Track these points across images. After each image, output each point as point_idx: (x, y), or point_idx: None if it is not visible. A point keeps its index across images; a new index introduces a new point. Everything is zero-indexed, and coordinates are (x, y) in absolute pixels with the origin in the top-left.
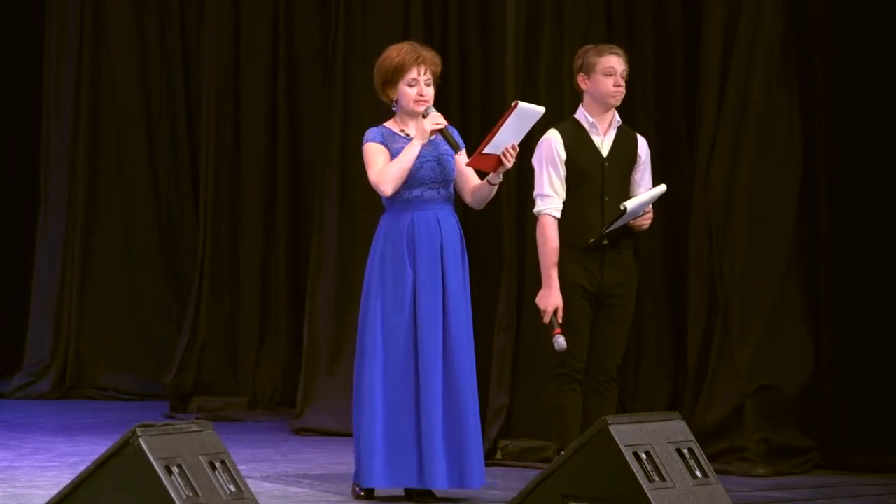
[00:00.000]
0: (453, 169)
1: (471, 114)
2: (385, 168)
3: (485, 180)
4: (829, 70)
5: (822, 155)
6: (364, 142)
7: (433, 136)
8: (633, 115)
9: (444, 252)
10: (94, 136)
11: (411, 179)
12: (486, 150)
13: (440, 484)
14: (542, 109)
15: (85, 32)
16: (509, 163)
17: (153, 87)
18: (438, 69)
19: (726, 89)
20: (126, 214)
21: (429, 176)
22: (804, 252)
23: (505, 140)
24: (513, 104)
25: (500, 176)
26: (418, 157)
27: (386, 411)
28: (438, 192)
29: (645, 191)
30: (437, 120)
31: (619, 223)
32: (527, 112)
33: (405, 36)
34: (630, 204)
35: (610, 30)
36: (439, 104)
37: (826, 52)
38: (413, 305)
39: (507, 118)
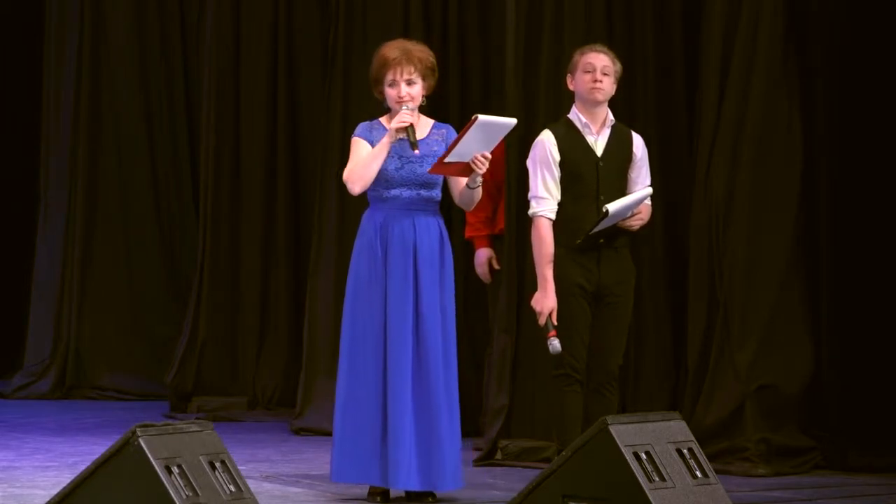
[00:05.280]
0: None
1: (471, 114)
2: (353, 166)
3: (464, 185)
4: (830, 70)
5: (822, 155)
6: (353, 135)
7: (401, 136)
8: (633, 115)
9: (416, 253)
10: (94, 136)
11: (391, 179)
12: (448, 160)
13: (404, 485)
14: (512, 121)
15: (85, 32)
16: (479, 170)
17: (153, 87)
18: (428, 63)
19: (726, 89)
20: (126, 214)
21: (408, 177)
22: (804, 252)
23: (470, 149)
24: (473, 118)
25: (478, 181)
26: (402, 157)
27: (349, 408)
28: (418, 194)
29: (642, 188)
30: (402, 118)
31: (605, 224)
32: (492, 125)
33: (405, 36)
34: (612, 207)
35: (610, 30)
36: (438, 104)
37: (826, 52)
38: (384, 304)
39: (467, 131)
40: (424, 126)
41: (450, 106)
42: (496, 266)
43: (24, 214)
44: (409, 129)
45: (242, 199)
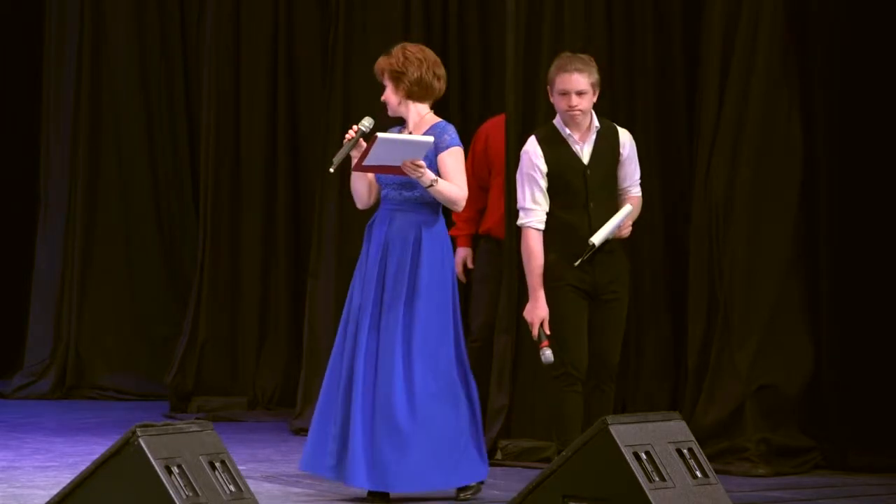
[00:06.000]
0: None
1: (470, 113)
2: None
3: None
4: (829, 70)
5: (822, 155)
6: None
7: (350, 151)
8: (633, 115)
9: (388, 252)
10: (94, 136)
11: (379, 180)
12: (368, 163)
13: (352, 482)
14: (425, 141)
15: (85, 32)
16: (410, 174)
17: (153, 87)
18: (386, 67)
19: (726, 89)
20: (126, 214)
21: (389, 178)
22: (804, 252)
23: (389, 157)
24: (374, 136)
25: (427, 181)
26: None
27: (321, 402)
28: (400, 194)
29: (630, 184)
30: (348, 132)
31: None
32: (401, 143)
33: (405, 36)
34: (597, 239)
35: (610, 30)
36: (439, 104)
37: (826, 52)
38: (360, 299)
39: (371, 147)
40: (427, 124)
41: (450, 106)
42: (469, 265)
43: (24, 214)
44: (347, 143)
45: (242, 199)
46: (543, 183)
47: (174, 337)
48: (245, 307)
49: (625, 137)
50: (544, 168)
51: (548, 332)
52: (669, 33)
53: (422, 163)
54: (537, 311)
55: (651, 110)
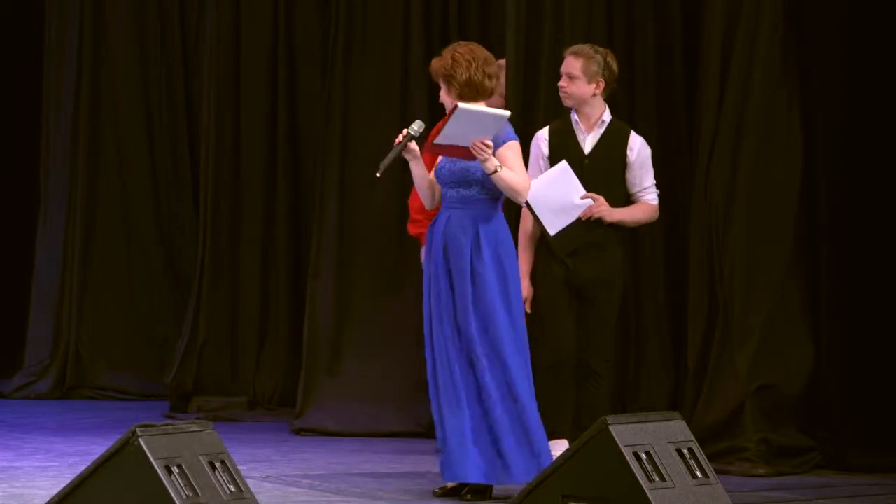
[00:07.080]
0: (477, 170)
1: None
2: None
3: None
4: (830, 70)
5: (822, 155)
6: None
7: (405, 152)
8: (633, 114)
9: (447, 248)
10: (94, 136)
11: (438, 178)
12: (438, 142)
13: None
14: (503, 114)
15: (85, 32)
16: (479, 156)
17: (153, 87)
18: (442, 70)
19: (726, 89)
20: (126, 214)
21: (446, 177)
22: (804, 252)
23: (463, 134)
24: (454, 105)
25: (492, 166)
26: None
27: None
28: (458, 192)
29: (639, 191)
30: (398, 136)
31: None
32: (478, 114)
33: (405, 36)
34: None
35: (610, 29)
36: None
37: (826, 52)
38: (436, 304)
39: (449, 117)
40: None
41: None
42: None
43: (25, 215)
44: (395, 147)
45: (242, 199)
46: (543, 166)
47: (174, 337)
48: (245, 307)
49: (635, 141)
50: (546, 152)
51: (528, 311)
52: (669, 33)
53: (490, 143)
54: (521, 288)
55: (651, 110)
